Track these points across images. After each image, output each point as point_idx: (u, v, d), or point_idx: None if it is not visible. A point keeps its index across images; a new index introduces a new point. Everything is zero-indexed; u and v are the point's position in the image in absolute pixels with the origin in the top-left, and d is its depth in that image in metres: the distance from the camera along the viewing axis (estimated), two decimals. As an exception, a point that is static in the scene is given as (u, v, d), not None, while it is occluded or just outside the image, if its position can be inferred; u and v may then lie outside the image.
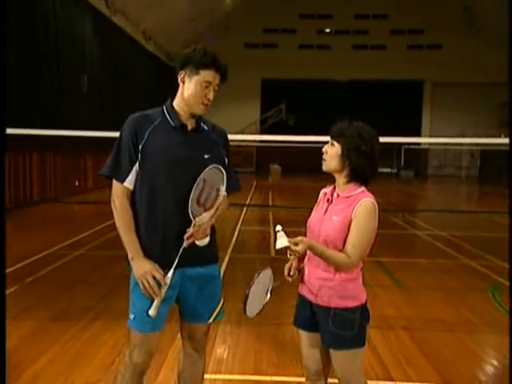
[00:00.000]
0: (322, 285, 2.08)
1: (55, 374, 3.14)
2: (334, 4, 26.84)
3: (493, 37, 25.45)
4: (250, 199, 13.67)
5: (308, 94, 27.26)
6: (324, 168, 2.12)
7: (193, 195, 2.02)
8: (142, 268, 2.02)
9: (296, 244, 1.95)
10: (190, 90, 2.06)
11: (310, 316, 2.16)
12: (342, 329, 2.04)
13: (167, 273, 2.02)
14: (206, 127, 2.18)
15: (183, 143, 2.08)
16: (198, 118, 2.15)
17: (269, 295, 2.15)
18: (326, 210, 2.11)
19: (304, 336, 2.22)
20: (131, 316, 2.12)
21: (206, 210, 2.08)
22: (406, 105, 27.59)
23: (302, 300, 2.20)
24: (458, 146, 26.36)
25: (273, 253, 7.03)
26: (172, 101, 2.15)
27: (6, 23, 10.05)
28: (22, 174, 11.38)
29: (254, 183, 19.44)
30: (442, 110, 27.83)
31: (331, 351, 2.11)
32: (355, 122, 2.07)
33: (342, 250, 2.03)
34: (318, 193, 2.30)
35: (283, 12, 27.15)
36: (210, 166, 2.06)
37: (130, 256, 2.07)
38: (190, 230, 2.03)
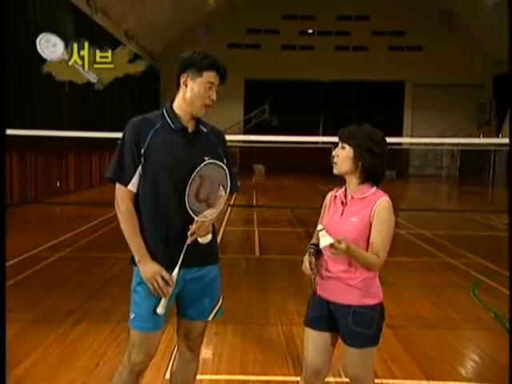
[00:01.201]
0: (343, 283, 2.10)
1: (39, 377, 3.10)
2: (317, 5, 26.96)
3: (472, 38, 25.96)
4: (234, 199, 13.64)
5: (291, 94, 27.35)
6: (335, 171, 2.16)
7: (189, 191, 2.06)
8: (150, 269, 2.06)
9: (339, 242, 1.94)
10: (193, 92, 2.09)
11: (326, 315, 2.17)
12: (361, 327, 2.07)
13: (172, 271, 2.07)
14: (204, 129, 2.22)
15: (185, 146, 2.12)
16: (197, 121, 2.18)
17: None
18: (342, 212, 2.14)
19: (313, 335, 2.22)
20: (132, 315, 2.14)
21: (209, 207, 2.11)
22: (387, 105, 27.81)
23: (318, 299, 2.20)
24: (438, 146, 26.73)
25: (258, 253, 7.04)
26: (171, 103, 2.17)
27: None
28: (2, 174, 11.16)
29: (238, 183, 19.40)
30: (423, 110, 28.19)
31: (348, 349, 2.13)
32: (363, 125, 2.14)
33: (364, 249, 2.07)
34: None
35: (266, 12, 27.18)
36: (206, 162, 2.09)
37: (137, 259, 2.10)
38: (193, 227, 2.07)
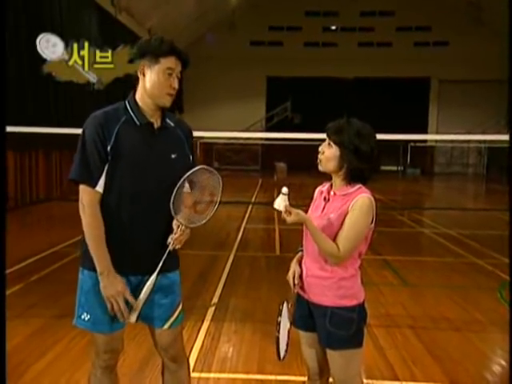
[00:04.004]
0: (320, 283, 2.05)
1: (59, 371, 3.14)
2: (340, 1, 26.71)
3: (500, 33, 25.28)
4: (256, 197, 13.64)
5: (314, 91, 27.17)
6: (320, 168, 2.06)
7: (176, 195, 1.95)
8: (113, 287, 1.91)
9: (289, 214, 1.93)
10: (152, 81, 1.95)
11: (308, 315, 2.13)
12: (339, 328, 2.01)
13: (148, 278, 1.97)
14: (171, 123, 2.08)
15: (150, 143, 1.98)
16: (163, 114, 2.04)
17: (288, 324, 2.17)
18: (324, 208, 2.07)
19: (303, 336, 2.19)
20: (86, 316, 2.01)
21: (196, 213, 2.02)
22: (412, 102, 27.39)
23: (300, 299, 2.17)
24: (464, 143, 26.15)
25: (278, 251, 7.01)
26: (134, 95, 2.03)
27: (13, 23, 10.08)
28: (28, 172, 11.41)
29: (260, 181, 19.40)
30: (448, 107, 27.64)
31: (328, 351, 2.08)
32: (353, 120, 2.01)
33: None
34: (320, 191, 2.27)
35: (289, 9, 27.06)
36: (198, 167, 2.00)
37: (99, 270, 1.92)
38: (178, 233, 1.96)
